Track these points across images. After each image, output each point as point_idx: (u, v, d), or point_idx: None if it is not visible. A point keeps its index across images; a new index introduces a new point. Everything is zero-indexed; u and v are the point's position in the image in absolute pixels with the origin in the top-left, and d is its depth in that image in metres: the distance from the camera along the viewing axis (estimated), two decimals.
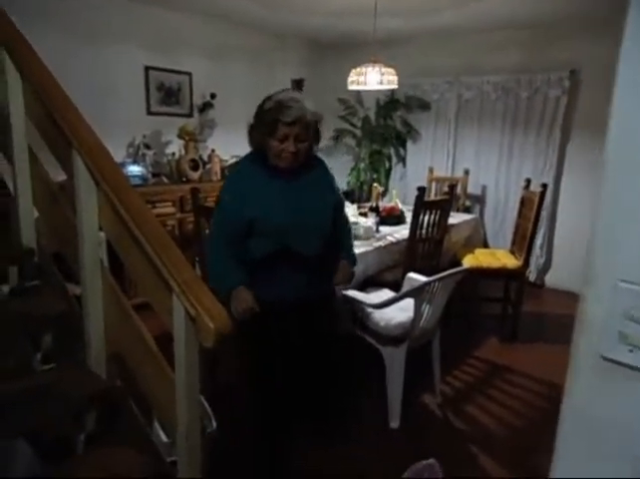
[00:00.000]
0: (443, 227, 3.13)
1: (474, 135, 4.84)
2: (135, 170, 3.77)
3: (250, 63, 4.99)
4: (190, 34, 4.37)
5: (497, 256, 3.63)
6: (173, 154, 4.20)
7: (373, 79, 3.28)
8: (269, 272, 1.80)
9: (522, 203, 3.66)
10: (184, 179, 4.07)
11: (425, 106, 4.99)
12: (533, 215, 3.33)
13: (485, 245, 4.18)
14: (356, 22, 4.42)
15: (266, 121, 1.69)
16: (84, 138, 1.62)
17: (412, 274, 2.78)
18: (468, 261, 3.51)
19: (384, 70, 3.28)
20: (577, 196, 4.42)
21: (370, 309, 2.35)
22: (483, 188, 4.85)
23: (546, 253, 4.62)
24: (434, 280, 2.17)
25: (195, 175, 4.12)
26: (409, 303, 2.32)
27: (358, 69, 3.35)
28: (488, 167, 4.79)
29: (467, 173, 4.60)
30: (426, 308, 2.29)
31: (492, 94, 4.62)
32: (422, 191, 2.85)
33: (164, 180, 3.99)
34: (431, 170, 4.78)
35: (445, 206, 3.06)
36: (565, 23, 4.18)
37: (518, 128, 4.56)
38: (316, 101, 5.67)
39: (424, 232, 2.99)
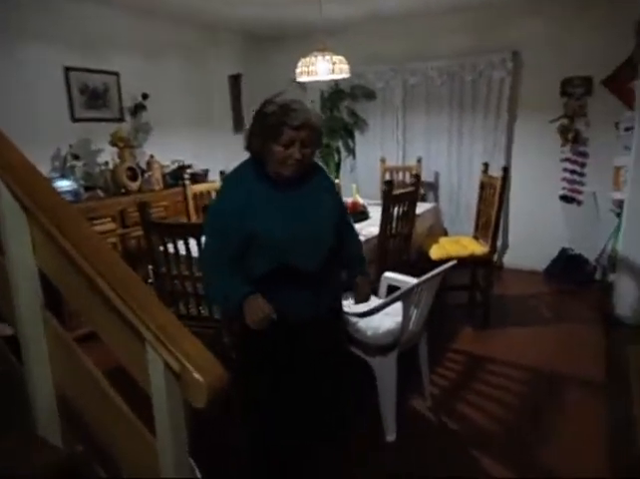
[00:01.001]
0: (411, 219, 3.00)
1: (422, 121, 4.77)
2: (64, 185, 3.34)
3: (183, 60, 4.62)
4: (115, 30, 3.94)
5: (463, 244, 3.56)
6: (107, 163, 3.79)
7: (323, 68, 3.08)
8: (269, 292, 1.59)
9: (482, 187, 3.62)
10: (123, 190, 3.68)
11: (370, 95, 4.84)
12: (497, 200, 3.28)
13: (446, 233, 4.12)
14: (294, 11, 4.19)
15: (270, 125, 1.53)
16: (3, 155, 1.30)
17: (388, 274, 2.62)
18: (435, 252, 3.41)
19: (335, 59, 3.08)
20: (527, 174, 4.47)
21: (354, 319, 2.16)
22: (436, 174, 4.80)
23: (502, 235, 4.65)
24: (424, 281, 2.02)
25: (135, 185, 3.74)
26: (394, 307, 2.15)
27: (307, 59, 3.13)
28: (439, 153, 4.75)
29: (419, 161, 4.52)
30: (414, 311, 2.14)
31: (438, 79, 4.57)
32: (389, 184, 2.69)
33: (100, 193, 3.58)
34: (383, 160, 4.67)
35: (412, 198, 2.92)
36: (506, 5, 4.17)
37: (466, 111, 4.54)
38: (255, 97, 5.40)
39: (393, 226, 2.84)
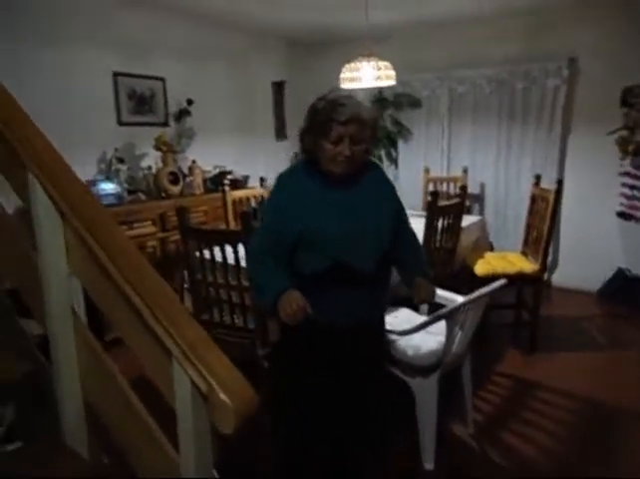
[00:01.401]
0: (456, 232, 2.85)
1: (468, 131, 4.59)
2: (108, 187, 3.39)
3: (228, 66, 4.65)
4: (162, 36, 4.00)
5: (510, 260, 3.37)
6: (150, 167, 3.83)
7: (369, 75, 2.99)
8: (318, 292, 1.52)
9: (533, 200, 3.42)
10: (164, 194, 3.70)
11: (415, 103, 4.72)
12: (549, 214, 3.08)
13: (491, 248, 3.93)
14: (340, 16, 4.13)
15: (319, 121, 1.51)
16: (43, 159, 1.27)
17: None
18: (480, 267, 3.24)
19: (380, 64, 2.99)
20: (581, 189, 4.22)
21: (394, 336, 2.05)
22: (482, 186, 4.61)
23: (552, 252, 4.40)
24: (471, 300, 1.88)
25: (176, 189, 3.75)
26: (437, 326, 2.02)
27: (352, 64, 3.05)
28: (486, 164, 4.55)
29: (465, 171, 4.34)
30: (458, 331, 2.00)
31: (486, 87, 4.39)
32: (435, 195, 2.57)
33: (142, 196, 3.61)
34: (427, 170, 4.51)
35: (458, 209, 2.78)
36: (562, 9, 3.97)
37: (516, 121, 4.34)
38: (298, 104, 5.34)
39: (437, 239, 2.70)
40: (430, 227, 2.59)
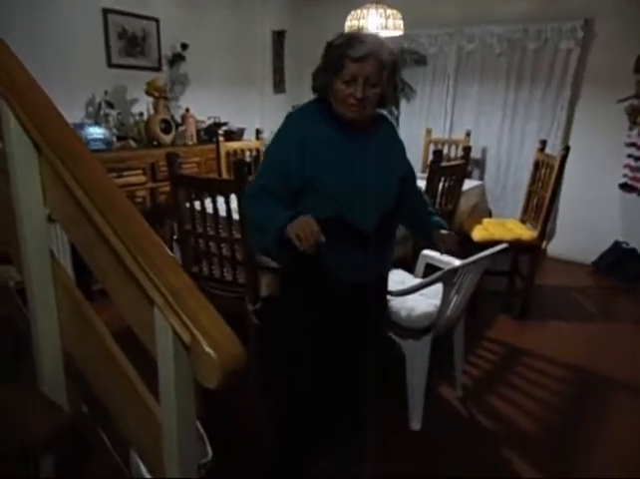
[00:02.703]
0: (456, 195, 2.77)
1: (474, 92, 4.42)
2: (96, 132, 3.23)
3: (226, 11, 4.39)
4: None
5: (508, 227, 3.30)
6: (141, 114, 3.66)
7: (375, 23, 2.81)
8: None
9: (537, 166, 3.32)
10: (155, 142, 3.56)
11: (421, 60, 4.52)
12: (553, 181, 3.00)
13: (490, 214, 3.85)
14: None
15: (333, 58, 1.38)
16: (17, 83, 1.15)
17: (427, 252, 2.42)
18: (477, 233, 3.17)
19: (389, 12, 2.81)
20: (585, 158, 4.11)
21: (388, 297, 1.99)
22: (484, 150, 4.49)
23: (550, 221, 4.33)
24: (470, 263, 1.81)
25: (168, 138, 3.60)
26: (432, 289, 1.97)
27: (358, 11, 2.87)
28: (489, 127, 4.41)
29: (468, 134, 4.21)
30: (454, 295, 1.94)
31: (497, 46, 4.19)
32: (438, 155, 2.46)
33: (132, 144, 3.46)
34: (428, 131, 4.37)
35: (460, 171, 2.68)
36: None
37: (524, 84, 4.17)
38: (299, 55, 5.10)
39: (437, 201, 2.62)
40: (430, 187, 2.50)
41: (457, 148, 4.22)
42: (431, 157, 4.27)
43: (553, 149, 3.91)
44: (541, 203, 3.14)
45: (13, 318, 1.47)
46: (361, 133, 1.46)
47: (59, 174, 1.06)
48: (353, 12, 2.92)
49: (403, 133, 4.84)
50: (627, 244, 4.04)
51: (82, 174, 1.04)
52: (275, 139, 1.49)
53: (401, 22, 2.91)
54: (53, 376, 1.33)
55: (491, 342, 2.87)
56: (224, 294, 2.16)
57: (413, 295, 1.99)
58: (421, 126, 4.60)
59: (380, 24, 2.82)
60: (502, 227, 3.32)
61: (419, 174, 3.79)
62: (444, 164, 2.52)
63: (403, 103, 4.83)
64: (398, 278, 2.27)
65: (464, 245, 3.17)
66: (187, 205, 2.16)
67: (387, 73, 1.39)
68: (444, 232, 1.61)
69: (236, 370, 0.86)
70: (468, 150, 2.70)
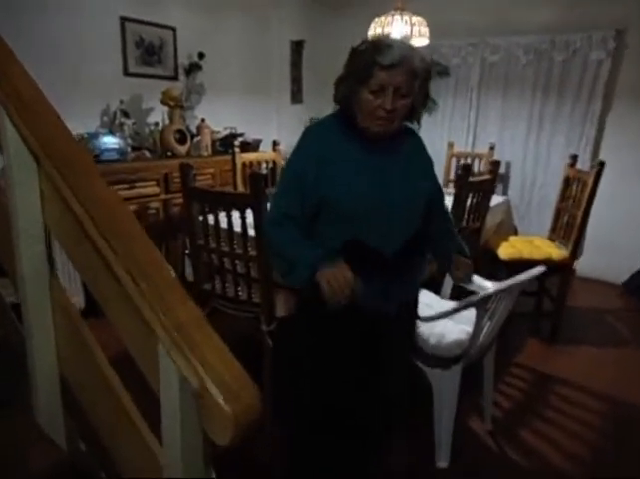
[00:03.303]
0: (484, 212, 2.61)
1: (498, 105, 4.28)
2: (110, 141, 3.15)
3: (244, 20, 4.32)
4: None
5: (537, 245, 3.13)
6: (156, 123, 3.58)
7: (400, 31, 2.69)
8: None
9: (567, 182, 3.15)
10: (170, 153, 3.47)
11: (443, 71, 4.39)
12: (586, 198, 2.83)
13: (516, 231, 3.68)
14: None
15: (358, 65, 1.25)
16: (18, 90, 1.05)
17: None
18: (505, 251, 3.01)
19: (414, 20, 2.69)
20: (616, 173, 3.91)
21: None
22: (508, 164, 4.32)
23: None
24: (507, 288, 1.66)
25: (183, 148, 3.51)
26: (463, 313, 1.81)
27: (382, 18, 2.75)
28: (514, 141, 4.25)
29: (492, 147, 4.06)
30: (487, 322, 1.79)
31: (523, 57, 4.05)
32: (466, 169, 2.31)
33: (146, 154, 3.38)
34: (450, 144, 4.23)
35: (488, 186, 2.53)
36: None
37: (551, 96, 4.01)
38: (317, 65, 4.98)
39: (465, 216, 2.47)
40: (457, 203, 2.35)
41: (480, 161, 4.07)
42: (453, 171, 4.18)
43: (583, 164, 3.73)
44: (573, 220, 2.97)
45: (8, 339, 1.36)
46: (385, 148, 1.33)
47: (57, 187, 0.95)
48: (377, 19, 2.81)
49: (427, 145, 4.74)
50: None
51: (82, 188, 0.92)
52: (292, 155, 1.38)
53: (426, 30, 2.79)
54: (49, 406, 1.21)
55: (521, 369, 2.69)
56: (238, 314, 2.03)
57: (442, 321, 1.83)
58: (442, 139, 4.45)
59: (405, 32, 2.70)
60: (531, 244, 3.15)
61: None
62: (471, 178, 2.37)
63: (424, 115, 4.70)
64: (424, 301, 2.11)
65: (489, 264, 3.03)
66: (201, 218, 2.04)
67: (418, 82, 1.27)
68: (461, 258, 1.47)
69: (251, 424, 0.73)
70: (496, 164, 2.55)
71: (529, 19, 4.01)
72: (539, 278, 3.34)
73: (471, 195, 2.42)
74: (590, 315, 3.50)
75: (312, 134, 1.37)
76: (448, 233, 1.56)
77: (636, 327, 3.38)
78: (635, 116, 3.77)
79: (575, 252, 2.95)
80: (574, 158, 3.18)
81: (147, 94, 3.58)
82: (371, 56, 1.21)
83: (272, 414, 1.93)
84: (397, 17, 2.67)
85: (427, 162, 1.48)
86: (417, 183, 1.39)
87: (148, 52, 3.59)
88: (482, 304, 1.67)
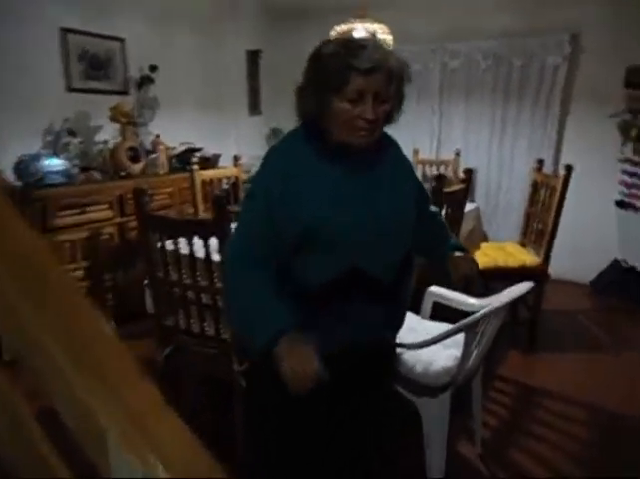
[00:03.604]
0: (458, 222, 2.53)
1: (460, 110, 4.26)
2: (55, 164, 2.89)
3: (198, 31, 4.14)
4: None
5: (510, 252, 3.09)
6: (106, 141, 3.34)
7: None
8: (323, 308, 1.15)
9: (535, 187, 3.13)
10: (123, 172, 3.23)
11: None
12: (556, 203, 2.80)
13: (486, 238, 3.64)
14: None
15: (329, 71, 1.08)
16: None
17: (434, 289, 2.16)
18: (479, 261, 2.90)
19: (376, 27, 2.59)
20: (578, 175, 3.92)
21: (398, 349, 1.70)
22: (473, 170, 4.29)
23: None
24: (499, 308, 1.55)
25: (137, 167, 3.29)
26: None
27: (342, 26, 2.64)
28: (478, 146, 4.24)
29: (457, 154, 4.02)
30: (475, 345, 1.68)
31: (482, 62, 4.05)
32: (440, 179, 2.22)
33: (96, 175, 3.13)
34: (416, 151, 4.18)
35: (461, 196, 2.45)
36: None
37: (512, 101, 4.03)
38: (275, 75, 4.83)
39: None
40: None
41: (445, 168, 4.03)
42: (420, 178, 4.12)
43: (546, 167, 3.74)
44: (544, 226, 2.94)
45: None
46: (366, 162, 1.19)
47: None
48: (337, 27, 2.70)
49: None
50: (626, 263, 3.87)
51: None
52: (257, 182, 1.19)
53: (390, 37, 2.70)
54: None
55: (504, 382, 2.61)
56: (206, 351, 1.84)
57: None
58: (406, 145, 4.36)
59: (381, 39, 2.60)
60: (503, 251, 3.10)
61: None
62: (446, 189, 2.28)
63: None
64: (406, 322, 1.99)
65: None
66: (159, 245, 1.84)
67: (395, 84, 1.14)
68: (458, 255, 1.36)
69: None
70: (468, 172, 2.47)
71: (487, 24, 4.01)
72: (510, 282, 3.33)
73: (445, 206, 2.33)
74: (564, 319, 3.49)
75: (279, 155, 1.18)
76: (440, 233, 1.44)
77: (608, 327, 3.39)
78: (593, 118, 3.81)
79: (548, 258, 2.92)
80: (540, 162, 3.16)
81: (94, 110, 3.34)
82: (344, 60, 1.06)
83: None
84: (358, 25, 2.56)
85: (408, 166, 1.35)
86: (404, 192, 1.26)
87: (93, 65, 3.35)
88: (472, 328, 1.55)
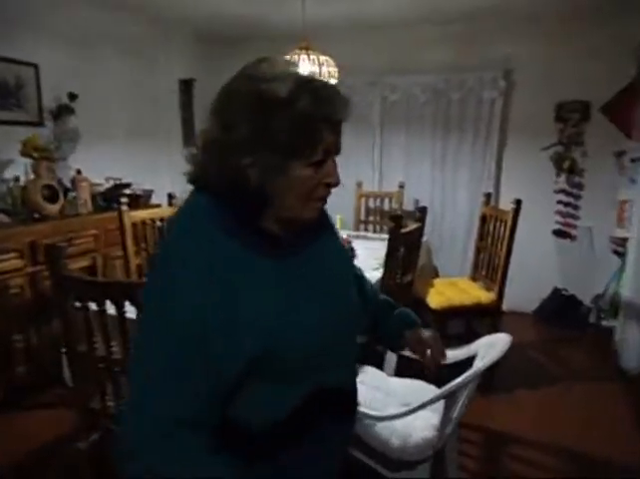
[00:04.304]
0: (415, 263, 2.40)
1: (402, 143, 4.24)
2: None
3: (126, 57, 3.82)
4: (33, 10, 3.11)
5: (462, 288, 3.02)
6: (17, 179, 2.92)
7: (308, 71, 2.43)
8: (279, 451, 0.84)
9: (484, 221, 3.10)
10: (37, 215, 2.82)
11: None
12: (507, 237, 2.77)
13: (437, 274, 3.57)
14: (260, 9, 3.55)
15: (299, 125, 0.77)
16: None
17: None
18: (434, 299, 2.84)
19: (322, 59, 2.46)
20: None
21: (367, 421, 1.49)
22: (416, 202, 4.27)
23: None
24: (482, 369, 1.39)
25: (54, 208, 2.89)
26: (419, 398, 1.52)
27: (287, 58, 2.47)
28: (420, 179, 4.22)
29: (401, 186, 3.97)
30: (454, 408, 1.50)
31: (421, 96, 4.06)
32: (398, 220, 2.08)
33: (5, 218, 2.71)
34: (359, 184, 4.08)
35: (417, 236, 2.33)
36: (499, 19, 3.75)
37: (451, 134, 4.06)
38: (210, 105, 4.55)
39: (398, 272, 2.22)
40: (390, 260, 2.09)
41: (390, 201, 3.96)
42: (363, 212, 4.02)
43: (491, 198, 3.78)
44: (496, 260, 2.90)
45: None
46: (304, 245, 0.89)
47: None
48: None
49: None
50: (566, 291, 3.96)
51: None
52: (167, 303, 0.76)
53: (336, 70, 2.58)
54: None
55: (469, 429, 2.46)
56: None
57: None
58: (348, 178, 4.28)
59: (314, 73, 2.46)
60: (455, 287, 3.02)
61: (352, 232, 3.45)
62: (404, 230, 2.14)
63: None
64: (369, 381, 1.79)
65: (421, 316, 2.82)
66: (78, 304, 1.52)
67: None
68: (422, 332, 1.14)
69: None
70: (424, 211, 2.36)
71: (425, 59, 4.04)
72: (468, 321, 3.26)
73: (403, 248, 2.19)
74: (515, 352, 3.44)
75: (196, 249, 0.77)
76: (385, 307, 1.21)
77: (556, 357, 3.39)
78: (528, 151, 3.92)
79: (502, 293, 2.87)
80: (488, 196, 3.15)
81: (3, 144, 2.92)
82: (317, 110, 0.78)
83: None
84: (303, 56, 2.41)
85: (336, 233, 1.05)
86: (345, 265, 1.05)
87: (1, 94, 2.94)
88: (454, 393, 1.38)
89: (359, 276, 1.18)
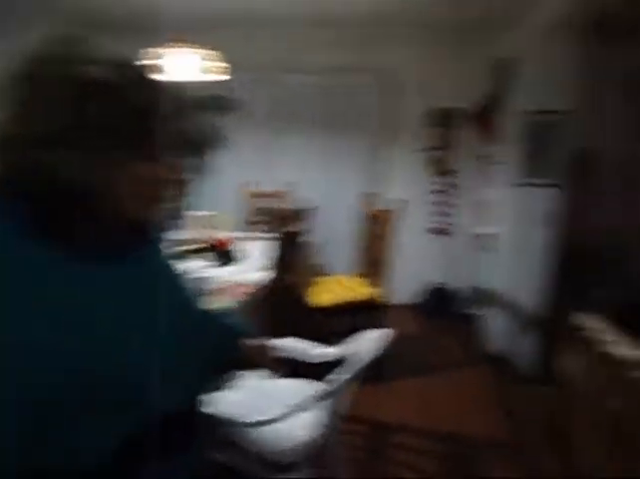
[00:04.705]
0: (301, 261, 2.40)
1: (288, 142, 4.24)
2: None
3: None
4: None
5: (347, 285, 3.09)
6: None
7: (191, 67, 2.26)
8: None
9: (368, 220, 3.21)
10: None
11: (224, 106, 4.14)
12: (389, 235, 2.89)
13: (322, 272, 3.62)
14: None
15: (121, 113, 0.66)
16: None
17: (283, 342, 1.94)
18: (323, 297, 2.87)
19: (204, 54, 2.30)
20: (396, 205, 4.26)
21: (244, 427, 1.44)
22: (305, 202, 4.27)
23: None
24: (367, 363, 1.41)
25: None
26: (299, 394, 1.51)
27: (157, 50, 2.26)
28: (307, 179, 4.25)
29: (290, 186, 3.96)
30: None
31: (306, 95, 4.10)
32: (285, 220, 2.06)
33: None
34: (247, 184, 3.99)
35: (304, 234, 2.33)
36: (380, 24, 3.91)
37: (338, 134, 4.16)
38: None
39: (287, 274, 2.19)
40: (278, 258, 2.06)
41: (279, 201, 3.94)
42: (254, 212, 3.94)
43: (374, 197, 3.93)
44: (379, 257, 3.02)
45: None
46: (120, 249, 0.76)
47: None
48: (151, 51, 2.30)
49: (213, 189, 4.38)
50: (443, 284, 4.27)
51: None
52: None
53: (224, 65, 2.44)
54: None
55: (355, 422, 2.52)
56: None
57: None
58: (232, 178, 4.17)
59: (201, 67, 2.29)
60: (340, 285, 3.09)
61: (241, 233, 3.34)
62: (290, 230, 2.12)
63: (214, 153, 4.38)
64: (251, 385, 1.73)
65: (306, 315, 2.83)
66: None
67: None
68: (251, 343, 1.04)
69: None
70: (310, 210, 2.37)
71: (309, 59, 4.08)
72: (353, 316, 3.34)
73: (289, 247, 2.17)
74: (397, 342, 3.62)
75: None
76: (213, 319, 1.05)
77: (437, 348, 3.62)
78: (405, 153, 4.16)
79: (386, 289, 2.99)
80: (372, 196, 3.27)
81: None
82: (148, 98, 0.69)
83: None
84: (185, 50, 2.22)
85: (170, 263, 0.92)
86: (174, 301, 0.86)
87: None
88: (337, 392, 1.38)
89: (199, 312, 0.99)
